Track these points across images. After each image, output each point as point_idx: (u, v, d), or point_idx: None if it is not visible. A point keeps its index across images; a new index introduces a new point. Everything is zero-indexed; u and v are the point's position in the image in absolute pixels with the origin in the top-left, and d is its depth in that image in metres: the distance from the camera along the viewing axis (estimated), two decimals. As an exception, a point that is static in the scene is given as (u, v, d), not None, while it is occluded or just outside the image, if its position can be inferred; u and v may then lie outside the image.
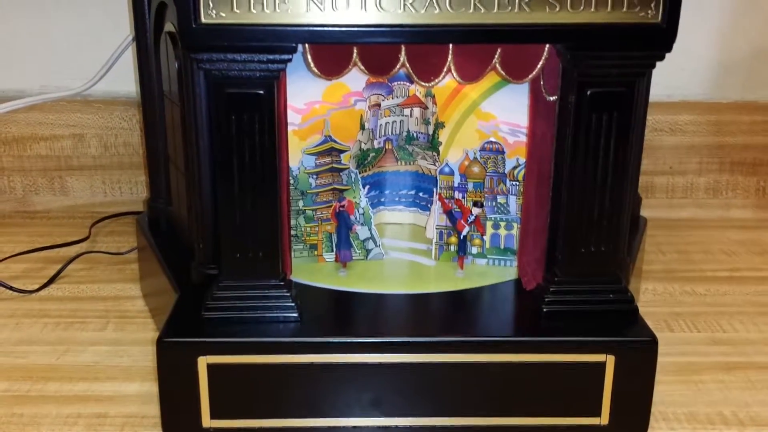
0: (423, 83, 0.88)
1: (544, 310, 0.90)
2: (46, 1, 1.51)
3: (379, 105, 1.08)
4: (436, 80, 0.88)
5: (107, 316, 1.15)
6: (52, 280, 1.25)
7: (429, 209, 1.13)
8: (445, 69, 0.86)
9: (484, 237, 1.06)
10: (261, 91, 0.83)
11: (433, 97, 1.12)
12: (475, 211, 1.04)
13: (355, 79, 1.01)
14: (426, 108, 1.14)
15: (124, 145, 1.56)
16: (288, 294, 0.89)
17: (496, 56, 0.84)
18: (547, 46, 0.84)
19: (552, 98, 0.88)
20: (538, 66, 0.86)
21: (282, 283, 0.89)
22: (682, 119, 1.60)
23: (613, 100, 0.85)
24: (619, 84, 0.84)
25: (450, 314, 0.93)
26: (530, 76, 0.85)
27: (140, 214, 1.27)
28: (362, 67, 0.84)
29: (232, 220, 0.87)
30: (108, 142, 1.55)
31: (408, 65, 0.83)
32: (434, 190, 1.12)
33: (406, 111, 1.14)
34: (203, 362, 0.85)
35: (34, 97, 1.49)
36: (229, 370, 0.86)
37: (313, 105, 1.03)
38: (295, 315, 0.89)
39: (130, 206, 1.56)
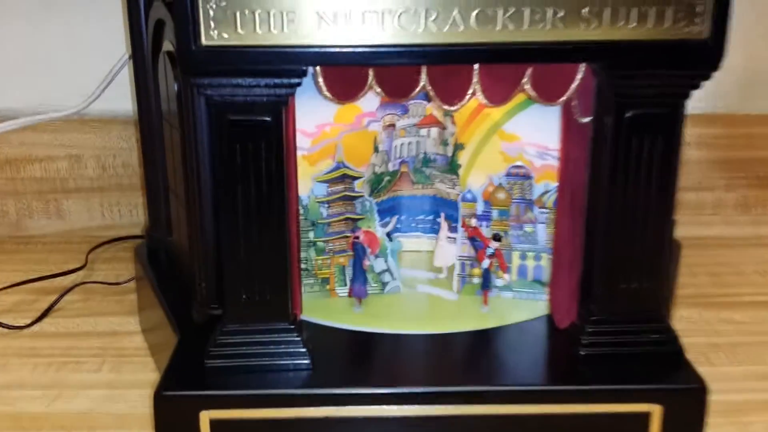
0: (446, 106, 0.80)
1: (582, 353, 0.82)
2: (40, 18, 1.43)
3: (393, 125, 1.01)
4: (461, 103, 0.80)
5: (103, 354, 1.07)
6: (45, 314, 1.17)
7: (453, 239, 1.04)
8: (470, 91, 0.77)
9: (509, 269, 0.96)
10: (268, 118, 0.76)
11: (452, 116, 1.04)
12: (494, 245, 0.96)
13: (369, 98, 0.94)
14: (444, 128, 1.06)
15: (122, 166, 1.48)
16: (299, 338, 0.82)
17: (527, 76, 0.76)
18: (583, 64, 0.76)
19: (586, 120, 0.81)
20: (573, 87, 0.78)
21: (292, 327, 0.82)
22: (709, 132, 1.51)
23: (654, 123, 0.78)
24: (662, 105, 0.78)
25: (476, 358, 0.86)
26: (563, 98, 0.77)
27: (139, 242, 1.19)
28: (379, 91, 0.76)
29: (236, 257, 0.80)
30: (106, 163, 1.47)
31: (430, 87, 0.75)
32: (442, 214, 1.04)
33: (423, 131, 1.06)
34: (206, 417, 0.78)
35: (28, 118, 1.41)
36: (235, 426, 0.78)
37: (324, 127, 0.96)
38: (307, 362, 0.82)
39: (130, 230, 1.48)
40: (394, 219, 1.03)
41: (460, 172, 1.06)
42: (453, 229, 1.03)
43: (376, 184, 1.06)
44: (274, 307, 0.81)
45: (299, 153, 0.96)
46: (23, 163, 1.47)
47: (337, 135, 0.96)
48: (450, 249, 1.03)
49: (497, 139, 0.97)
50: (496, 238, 0.96)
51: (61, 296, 1.24)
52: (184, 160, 0.90)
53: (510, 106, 0.98)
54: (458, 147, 1.05)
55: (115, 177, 1.49)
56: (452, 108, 0.81)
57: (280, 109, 0.76)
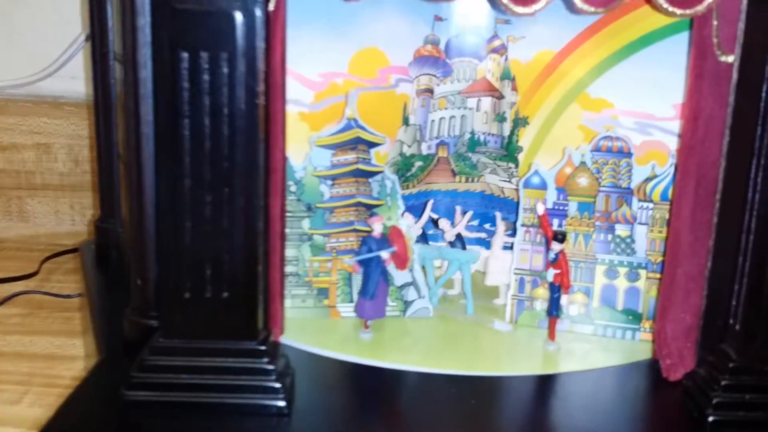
0: (514, 7, 0.54)
1: (710, 418, 0.61)
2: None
3: (431, 91, 0.84)
4: (541, 2, 0.52)
5: (29, 383, 0.87)
6: (-32, 328, 0.99)
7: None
8: None
9: (590, 294, 0.73)
10: (236, 13, 0.54)
11: (513, 79, 0.83)
12: (556, 247, 0.71)
13: (399, 43, 0.77)
14: (500, 97, 0.84)
15: (100, 160, 1.25)
16: (271, 367, 0.61)
17: (646, -34, 0.49)
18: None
19: (728, 59, 0.60)
20: None
21: (262, 348, 0.61)
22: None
23: None
24: None
25: (538, 416, 0.65)
26: (705, 3, 0.50)
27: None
28: None
29: (178, 235, 0.58)
30: (80, 156, 1.26)
31: (491, -27, 0.49)
32: (497, 214, 0.82)
33: (471, 102, 0.86)
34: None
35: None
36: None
37: (333, 78, 0.78)
38: (281, 404, 0.61)
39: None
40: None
41: (521, 157, 0.84)
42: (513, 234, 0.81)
43: (404, 171, 0.85)
44: (233, 315, 0.60)
45: (295, 109, 0.78)
46: (-18, 150, 1.28)
47: (351, 91, 0.78)
48: (509, 262, 0.80)
49: (578, 109, 0.78)
50: (558, 237, 0.71)
51: (-9, 306, 1.01)
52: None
53: (596, 59, 0.76)
54: (520, 122, 0.85)
55: (91, 173, 1.28)
56: (525, 11, 0.53)
57: (256, 0, 0.54)
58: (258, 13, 0.54)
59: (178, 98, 0.55)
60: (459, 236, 0.79)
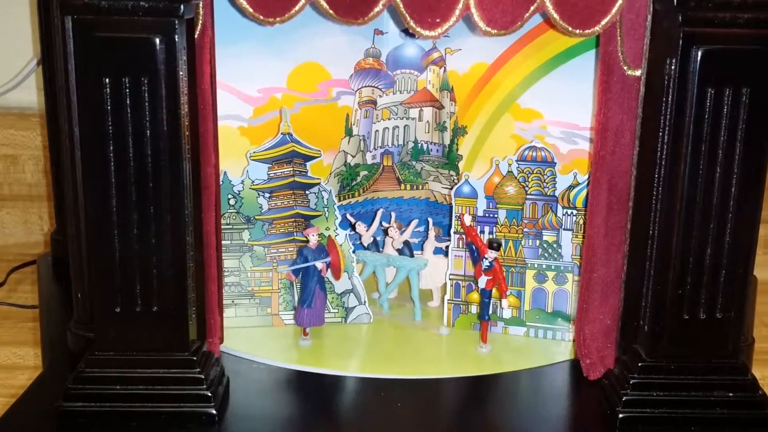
0: (421, 30, 0.55)
1: (621, 415, 0.62)
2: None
3: (374, 102, 0.84)
4: (444, 26, 0.55)
5: None
6: (-71, 338, 0.98)
7: (443, 252, 0.82)
8: (459, 6, 0.52)
9: (519, 296, 0.75)
10: (155, 39, 0.56)
11: (452, 90, 0.84)
12: (491, 255, 0.72)
13: (340, 57, 0.78)
14: (441, 107, 0.85)
15: (67, 170, 1.25)
16: (202, 376, 0.62)
17: (546, -13, 0.51)
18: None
19: (635, 73, 0.62)
20: (616, 5, 0.51)
21: (193, 358, 0.62)
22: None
23: (741, 66, 0.57)
24: (752, 39, 0.56)
25: (468, 416, 0.65)
26: (602, 24, 0.56)
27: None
28: (322, 2, 0.50)
29: (107, 253, 0.60)
30: (47, 167, 1.23)
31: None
32: (429, 220, 0.83)
33: (413, 112, 0.86)
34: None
35: None
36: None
37: (273, 93, 0.78)
38: (212, 411, 0.61)
39: (74, 248, 1.24)
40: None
41: (461, 165, 0.85)
42: (445, 240, 0.82)
43: (349, 180, 0.86)
44: (164, 326, 0.61)
45: (235, 124, 0.78)
46: (-50, 162, 1.26)
47: (292, 106, 0.79)
48: (441, 265, 0.80)
49: (510, 119, 0.79)
50: (494, 245, 0.72)
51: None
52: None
53: (526, 71, 0.78)
54: (459, 131, 0.85)
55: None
56: (429, 33, 0.55)
57: (175, 26, 0.56)
58: (177, 39, 0.55)
59: (102, 122, 0.56)
60: (407, 243, 0.80)
